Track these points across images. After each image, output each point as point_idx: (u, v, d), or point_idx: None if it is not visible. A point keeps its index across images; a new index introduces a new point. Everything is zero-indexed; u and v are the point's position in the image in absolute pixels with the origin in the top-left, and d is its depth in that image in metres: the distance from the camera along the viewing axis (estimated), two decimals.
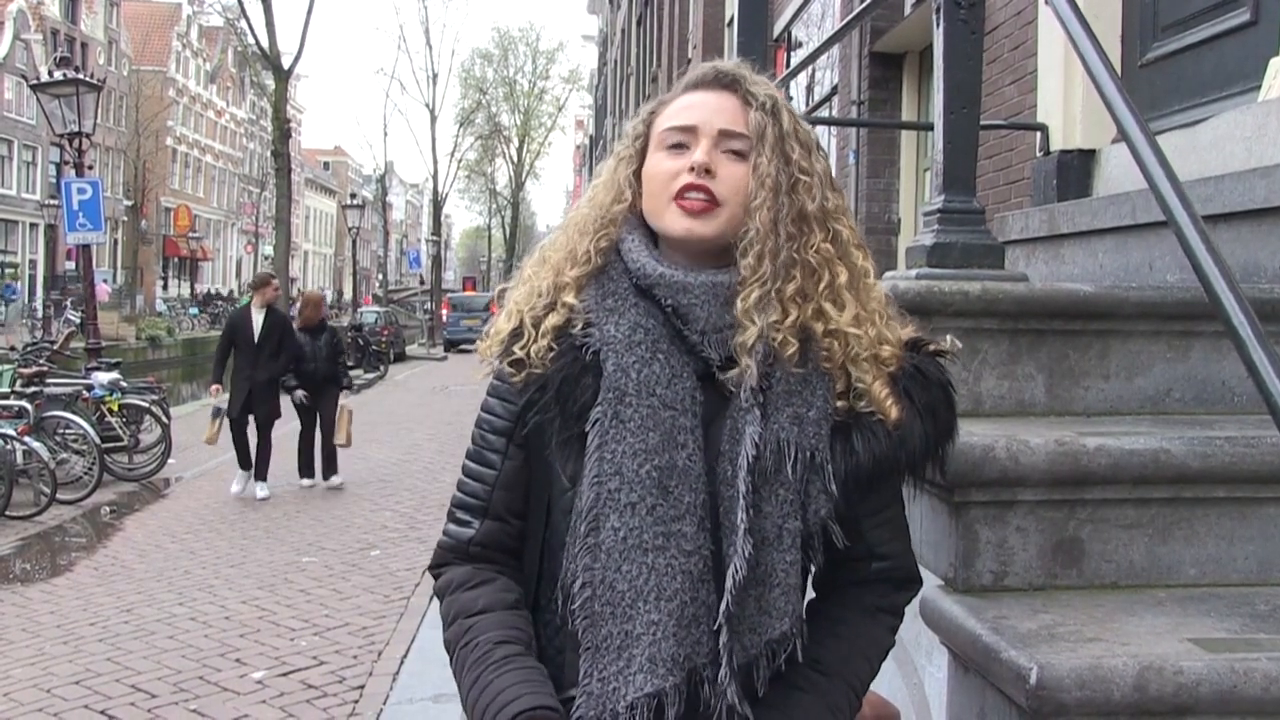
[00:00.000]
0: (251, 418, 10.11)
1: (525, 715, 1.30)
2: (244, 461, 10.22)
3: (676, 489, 1.36)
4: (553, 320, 1.42)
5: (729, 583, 1.33)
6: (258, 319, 10.05)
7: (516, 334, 1.44)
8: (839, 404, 1.40)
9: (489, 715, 1.32)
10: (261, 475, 10.09)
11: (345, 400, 10.91)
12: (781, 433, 1.37)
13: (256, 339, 9.94)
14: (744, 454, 1.35)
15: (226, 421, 10.11)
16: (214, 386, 10.49)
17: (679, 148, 1.44)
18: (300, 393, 10.39)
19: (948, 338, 1.53)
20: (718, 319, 1.40)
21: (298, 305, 11.78)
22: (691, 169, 1.40)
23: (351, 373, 12.15)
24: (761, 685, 1.37)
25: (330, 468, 10.63)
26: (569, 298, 1.44)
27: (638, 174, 1.48)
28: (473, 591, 1.45)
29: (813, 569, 1.47)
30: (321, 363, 10.53)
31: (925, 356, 1.46)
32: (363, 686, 5.22)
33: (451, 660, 1.44)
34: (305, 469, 10.68)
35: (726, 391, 1.39)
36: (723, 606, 1.33)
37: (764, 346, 1.37)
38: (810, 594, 1.51)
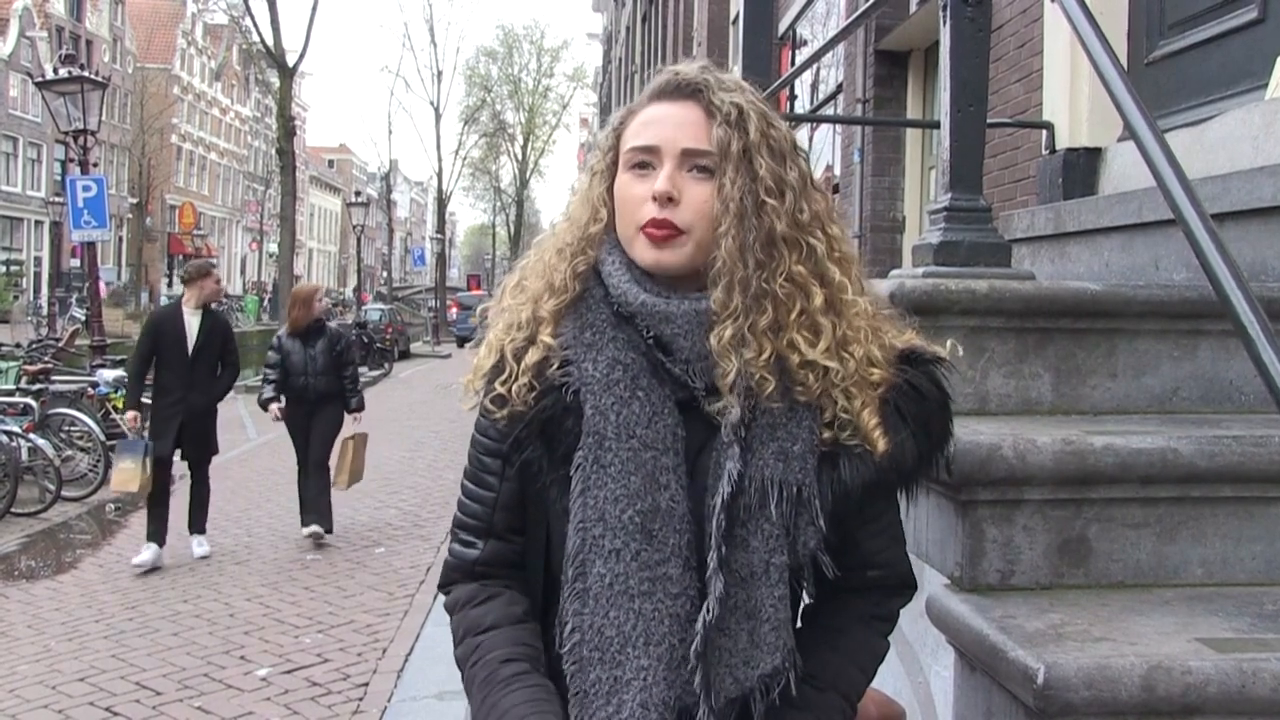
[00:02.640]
0: (179, 456, 7.67)
1: None
2: (159, 529, 7.54)
3: (660, 532, 1.34)
4: (532, 356, 1.39)
5: (698, 624, 1.32)
6: (192, 322, 7.54)
7: (498, 369, 1.42)
8: (825, 435, 1.36)
9: None
10: (199, 526, 7.79)
11: (351, 427, 8.46)
12: (766, 469, 1.34)
13: (191, 349, 7.48)
14: (720, 492, 1.33)
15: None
16: (130, 414, 7.84)
17: (644, 167, 1.39)
18: (276, 406, 8.19)
19: (948, 343, 1.51)
20: (700, 347, 1.36)
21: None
22: (654, 198, 1.36)
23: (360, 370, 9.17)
24: (759, 718, 1.36)
25: (315, 511, 8.18)
26: (547, 334, 1.40)
27: (611, 190, 1.44)
28: (480, 608, 1.44)
29: (804, 599, 1.46)
30: (315, 376, 8.12)
31: (920, 371, 1.42)
32: (367, 684, 5.22)
33: (463, 677, 1.43)
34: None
35: (713, 420, 1.37)
36: (694, 645, 1.32)
37: (744, 382, 1.34)
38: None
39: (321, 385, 8.16)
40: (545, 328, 1.41)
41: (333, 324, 8.85)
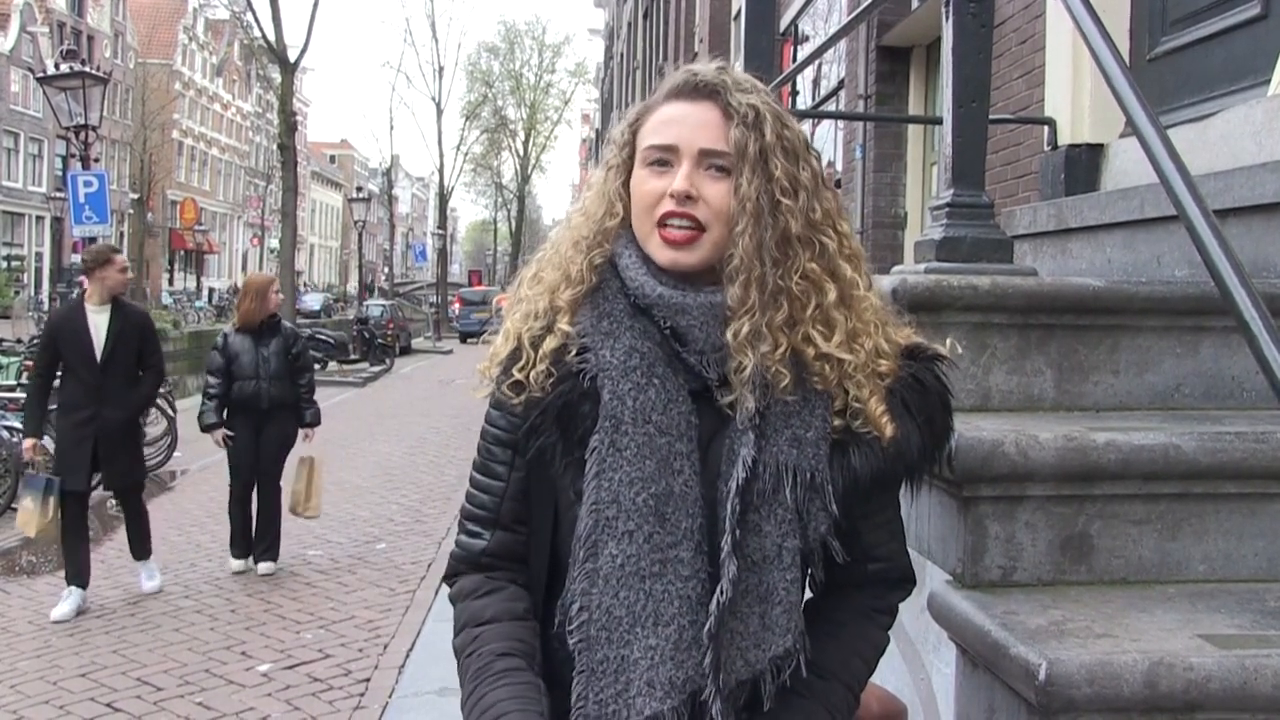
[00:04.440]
0: (100, 482, 6.54)
1: None
2: (79, 569, 6.27)
3: (673, 515, 1.37)
4: (550, 344, 1.42)
5: (713, 604, 1.35)
6: (98, 322, 6.17)
7: (515, 356, 1.44)
8: (836, 423, 1.40)
9: None
10: (144, 552, 6.70)
11: (306, 444, 7.39)
12: (780, 455, 1.37)
13: (100, 353, 6.14)
14: (735, 477, 1.36)
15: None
16: (28, 443, 6.39)
17: (662, 164, 1.42)
18: (221, 432, 7.04)
19: (948, 341, 1.52)
20: (715, 339, 1.39)
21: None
22: (672, 195, 1.39)
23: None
24: (768, 699, 1.38)
25: (265, 543, 7.21)
26: (564, 323, 1.43)
27: (626, 185, 1.47)
28: (481, 600, 1.46)
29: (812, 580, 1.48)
30: (269, 381, 7.03)
31: (923, 365, 1.45)
32: (368, 680, 5.22)
33: (458, 667, 1.45)
34: (238, 543, 7.26)
35: (725, 409, 1.40)
36: (707, 627, 1.34)
37: (759, 377, 1.37)
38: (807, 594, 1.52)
39: (275, 391, 7.07)
40: (563, 316, 1.44)
41: (288, 323, 7.83)
